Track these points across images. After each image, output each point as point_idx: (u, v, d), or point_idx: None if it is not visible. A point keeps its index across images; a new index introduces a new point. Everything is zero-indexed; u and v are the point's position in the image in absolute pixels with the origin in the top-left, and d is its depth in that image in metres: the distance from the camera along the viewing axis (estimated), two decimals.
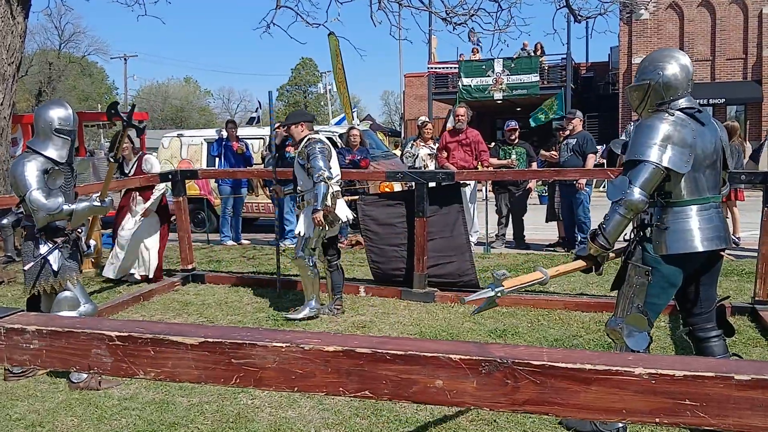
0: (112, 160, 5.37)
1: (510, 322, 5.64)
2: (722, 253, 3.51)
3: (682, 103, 3.35)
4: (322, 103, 63.65)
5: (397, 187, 9.85)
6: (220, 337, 1.24)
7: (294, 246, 9.77)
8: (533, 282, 3.51)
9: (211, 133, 12.55)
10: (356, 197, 8.53)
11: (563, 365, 1.07)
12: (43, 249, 4.43)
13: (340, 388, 1.18)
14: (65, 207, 4.37)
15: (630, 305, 3.46)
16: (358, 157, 10.04)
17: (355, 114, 20.95)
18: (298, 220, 6.22)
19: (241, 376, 1.23)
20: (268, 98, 7.59)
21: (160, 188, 7.38)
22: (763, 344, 4.98)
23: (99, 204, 4.65)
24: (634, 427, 3.44)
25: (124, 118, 5.19)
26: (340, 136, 11.64)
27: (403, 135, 30.82)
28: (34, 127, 4.63)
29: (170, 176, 7.46)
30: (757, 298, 5.68)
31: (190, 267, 7.52)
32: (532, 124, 20.73)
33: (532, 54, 25.38)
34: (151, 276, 7.36)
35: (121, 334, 1.28)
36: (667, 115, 3.30)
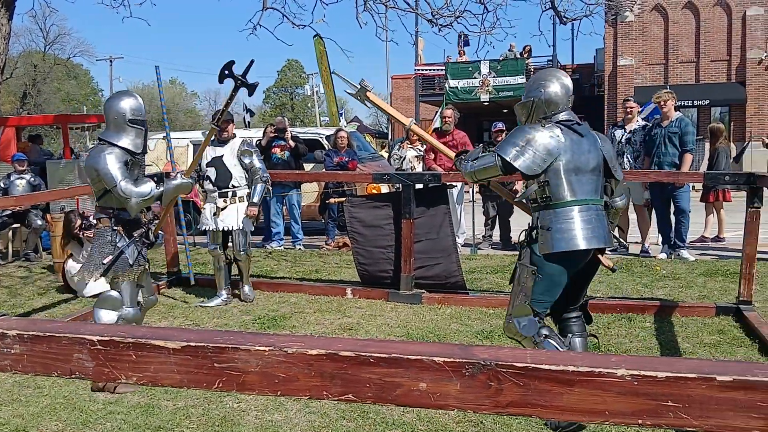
0: (214, 126, 5.54)
1: (497, 323, 5.64)
2: (600, 256, 3.75)
3: (562, 116, 3.74)
4: (309, 105, 63.58)
5: (384, 188, 9.85)
6: (203, 341, 1.23)
7: (277, 248, 9.82)
8: (397, 117, 4.48)
9: (197, 135, 12.51)
10: (343, 199, 8.54)
11: (546, 367, 1.07)
12: (121, 243, 4.47)
13: (324, 392, 1.17)
14: (155, 190, 4.44)
15: (517, 300, 3.80)
16: (346, 159, 10.05)
17: (342, 116, 20.95)
18: (220, 215, 6.61)
19: (224, 381, 1.22)
20: (156, 74, 7.08)
21: None
22: (747, 344, 5.01)
23: (188, 181, 4.78)
24: (617, 428, 3.45)
25: (238, 77, 5.25)
26: (327, 137, 11.64)
27: (390, 137, 30.86)
28: (105, 120, 4.61)
29: (155, 178, 7.41)
30: (741, 299, 5.72)
31: (175, 270, 7.49)
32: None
33: (519, 56, 25.48)
34: None
35: (103, 338, 1.27)
36: (543, 124, 3.70)
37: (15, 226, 9.82)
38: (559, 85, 3.77)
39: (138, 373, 1.27)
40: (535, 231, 3.70)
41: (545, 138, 3.62)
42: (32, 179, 10.01)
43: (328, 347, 1.17)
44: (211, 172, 6.57)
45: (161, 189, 4.52)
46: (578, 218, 3.60)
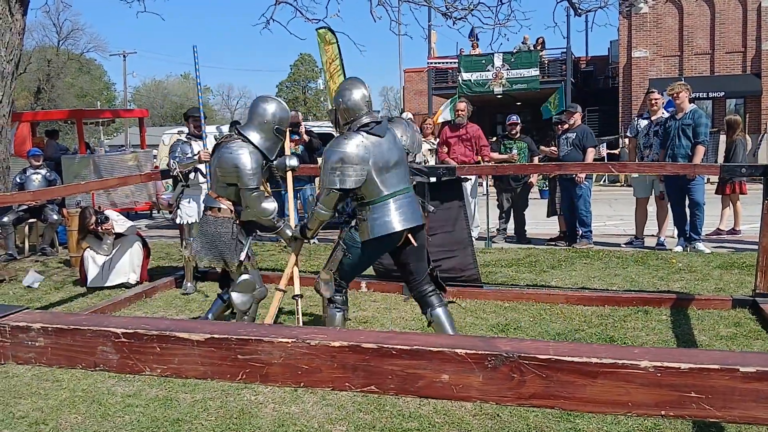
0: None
1: (512, 316, 5.65)
2: (408, 235, 4.30)
3: (364, 120, 4.22)
4: (321, 99, 63.59)
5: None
6: (226, 333, 1.24)
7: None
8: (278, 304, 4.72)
9: (211, 130, 12.54)
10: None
11: (569, 359, 1.07)
12: (241, 237, 4.83)
13: (346, 383, 1.18)
14: (275, 215, 4.83)
15: (328, 265, 4.46)
16: None
17: None
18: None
19: (248, 372, 1.23)
20: (194, 56, 6.66)
21: (127, 226, 7.41)
22: (764, 336, 4.98)
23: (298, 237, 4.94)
24: (635, 420, 3.45)
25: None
26: None
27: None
28: (250, 117, 4.82)
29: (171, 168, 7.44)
30: (757, 291, 5.67)
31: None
32: (544, 116, 20.69)
33: (532, 48, 25.34)
34: (138, 279, 7.33)
35: (128, 330, 1.29)
36: (348, 136, 4.16)
37: (31, 220, 9.89)
38: (356, 94, 4.25)
39: (162, 365, 1.28)
40: (355, 221, 4.31)
41: (354, 149, 4.09)
42: (48, 174, 10.09)
43: (351, 339, 1.18)
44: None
45: (280, 223, 4.88)
46: (392, 207, 4.21)
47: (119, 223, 7.32)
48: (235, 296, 4.89)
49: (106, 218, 7.19)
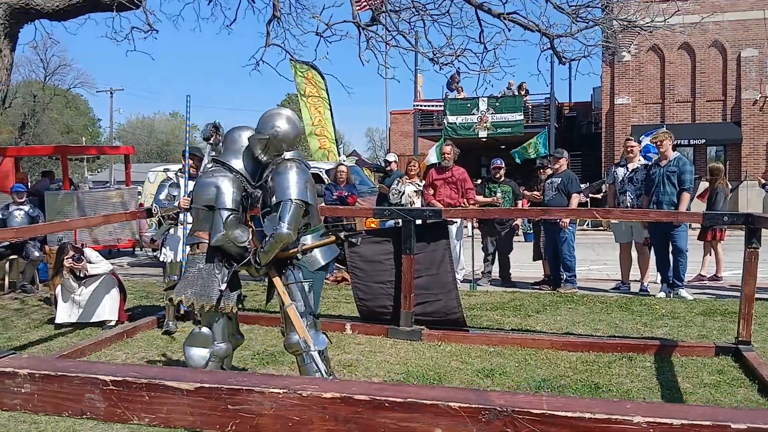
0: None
1: (497, 361, 5.63)
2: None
3: (290, 154, 4.36)
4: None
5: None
6: (217, 382, 1.23)
7: None
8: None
9: None
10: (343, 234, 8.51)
11: (563, 414, 1.07)
12: (221, 274, 4.36)
13: None
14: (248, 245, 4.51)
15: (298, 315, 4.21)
16: (346, 194, 10.08)
17: (341, 149, 21.04)
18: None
19: (237, 423, 1.22)
20: (186, 103, 7.17)
21: (105, 269, 7.32)
22: (747, 384, 4.99)
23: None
24: None
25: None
26: (327, 172, 11.69)
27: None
28: (228, 147, 4.56)
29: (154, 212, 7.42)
30: (740, 339, 5.71)
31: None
32: (515, 157, 20.95)
33: (516, 93, 25.72)
34: (116, 319, 7.23)
35: (116, 378, 1.27)
36: (298, 163, 4.29)
37: (12, 257, 9.79)
38: (294, 131, 4.32)
39: (151, 414, 1.26)
40: (300, 253, 4.31)
41: (306, 173, 4.31)
42: (31, 210, 10.01)
43: (343, 390, 1.17)
44: None
45: (248, 255, 4.34)
46: (321, 236, 4.46)
47: (96, 265, 7.22)
48: (187, 350, 4.37)
49: (80, 258, 7.10)
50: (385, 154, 12.98)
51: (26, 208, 9.99)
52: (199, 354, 4.32)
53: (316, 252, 4.45)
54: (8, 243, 9.42)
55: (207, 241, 4.37)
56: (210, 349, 4.34)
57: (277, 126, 4.27)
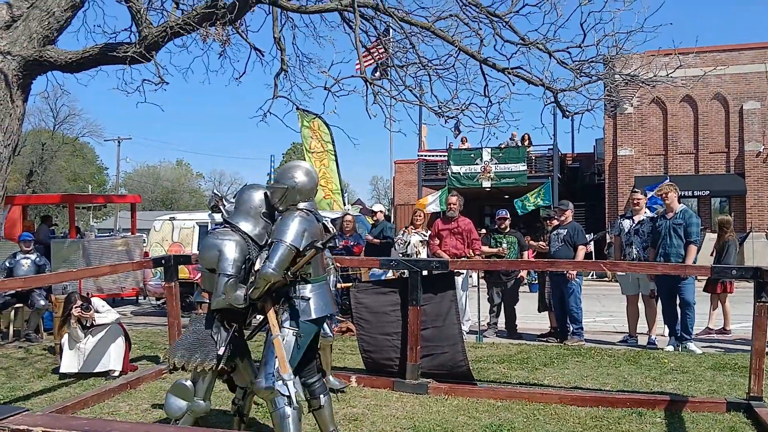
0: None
1: (506, 416, 5.55)
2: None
3: (304, 204, 4.40)
4: None
5: (389, 273, 9.85)
6: None
7: None
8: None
9: (204, 217, 12.61)
10: (349, 284, 8.53)
11: None
12: (218, 336, 4.39)
13: None
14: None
15: (268, 365, 4.17)
16: (352, 243, 10.10)
17: (346, 198, 21.15)
18: None
19: None
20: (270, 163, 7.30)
21: (111, 318, 7.29)
22: None
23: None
24: None
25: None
26: (333, 221, 11.72)
27: (392, 219, 31.04)
28: (239, 207, 4.59)
29: (163, 261, 7.44)
30: (752, 394, 5.63)
31: None
32: (518, 209, 21.06)
33: (520, 144, 25.94)
34: (120, 369, 7.16)
35: None
36: (304, 213, 4.34)
37: (18, 305, 9.77)
38: (310, 183, 4.46)
39: None
40: (294, 300, 4.29)
41: (311, 225, 4.32)
42: (37, 259, 10.04)
43: None
44: None
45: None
46: (326, 290, 4.46)
47: (103, 314, 7.21)
48: (168, 397, 4.42)
49: (88, 307, 7.10)
50: (390, 203, 13.07)
51: (33, 256, 10.01)
52: (177, 405, 4.40)
53: (311, 303, 4.30)
54: (14, 291, 9.41)
55: (209, 302, 4.44)
56: (188, 404, 4.39)
57: (295, 177, 4.41)
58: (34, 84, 9.35)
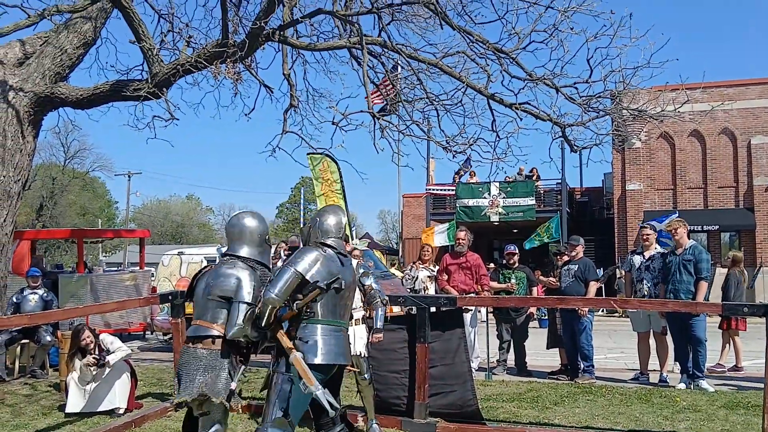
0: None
1: None
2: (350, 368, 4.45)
3: (329, 241, 4.41)
4: None
5: (396, 309, 9.78)
6: None
7: None
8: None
9: (212, 251, 12.63)
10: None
11: None
12: (229, 369, 4.28)
13: None
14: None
15: (274, 409, 4.05)
16: None
17: (353, 232, 21.18)
18: None
19: None
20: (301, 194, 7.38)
21: (122, 355, 7.24)
22: None
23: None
24: None
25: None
26: None
27: (400, 253, 31.00)
28: (240, 238, 4.59)
29: (170, 297, 7.41)
30: None
31: None
32: (527, 247, 21.02)
33: (528, 178, 25.96)
34: (125, 407, 7.09)
35: None
36: (321, 248, 4.33)
37: (24, 341, 9.73)
38: (332, 219, 4.52)
39: None
40: (294, 341, 4.12)
41: (327, 260, 4.25)
42: (45, 295, 10.02)
43: None
44: None
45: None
46: (343, 336, 4.28)
47: (115, 354, 7.13)
48: None
49: (102, 364, 7.03)
50: (398, 237, 13.06)
51: (41, 292, 10.00)
52: None
53: (318, 346, 4.11)
54: (21, 327, 9.39)
55: (218, 334, 4.24)
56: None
57: (322, 218, 4.54)
58: (45, 119, 9.47)
